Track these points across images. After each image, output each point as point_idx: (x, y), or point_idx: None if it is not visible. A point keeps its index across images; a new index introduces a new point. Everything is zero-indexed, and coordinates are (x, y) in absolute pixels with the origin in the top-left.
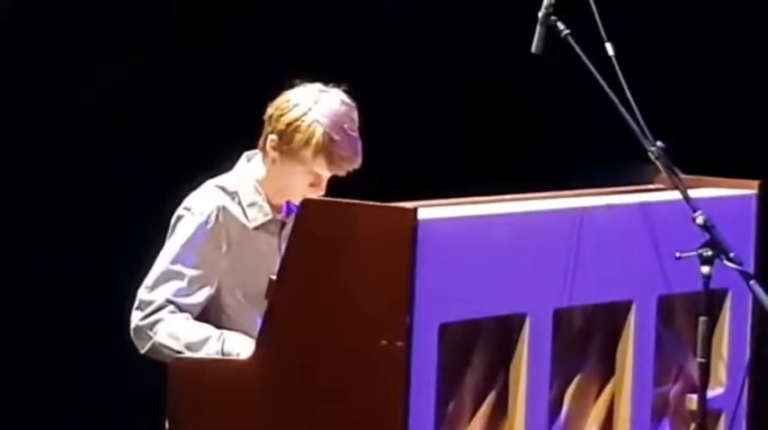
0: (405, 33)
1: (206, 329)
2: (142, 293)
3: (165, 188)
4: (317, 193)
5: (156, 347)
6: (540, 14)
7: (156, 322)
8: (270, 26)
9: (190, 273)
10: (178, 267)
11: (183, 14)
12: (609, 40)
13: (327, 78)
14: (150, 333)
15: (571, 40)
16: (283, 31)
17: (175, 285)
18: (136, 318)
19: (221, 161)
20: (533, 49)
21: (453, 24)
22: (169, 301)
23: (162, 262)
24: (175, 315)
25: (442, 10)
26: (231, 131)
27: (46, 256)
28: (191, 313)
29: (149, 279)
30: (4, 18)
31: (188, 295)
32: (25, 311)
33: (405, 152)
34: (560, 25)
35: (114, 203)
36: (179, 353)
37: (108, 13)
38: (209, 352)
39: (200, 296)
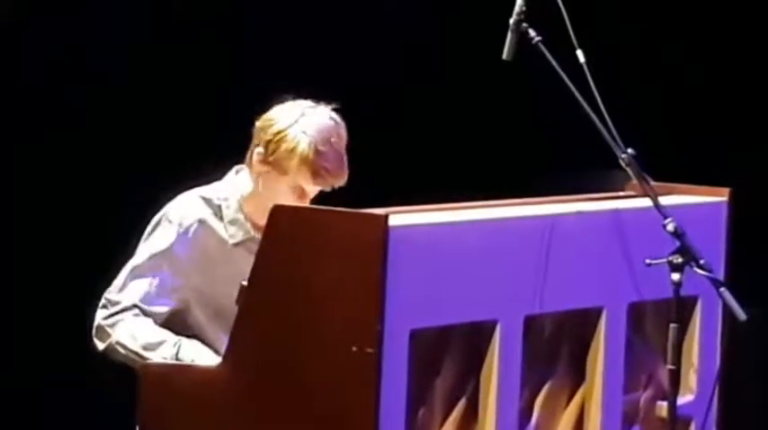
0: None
1: (164, 333)
2: (109, 293)
3: (162, 188)
4: None
5: (114, 346)
6: (511, 21)
7: (118, 322)
8: (266, 27)
9: (159, 280)
10: (150, 273)
11: (183, 14)
12: (580, 47)
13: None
14: (110, 330)
15: (542, 47)
16: (279, 33)
17: (143, 290)
18: (99, 316)
19: (220, 160)
20: (504, 55)
21: (426, 29)
22: (135, 306)
23: (134, 265)
24: (138, 317)
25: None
26: (230, 131)
27: (44, 256)
28: (155, 320)
29: (119, 279)
30: (5, 18)
31: (154, 302)
32: (23, 312)
33: (375, 158)
34: (531, 32)
35: (113, 203)
36: (135, 353)
37: (108, 13)
38: (164, 355)
39: (166, 305)
